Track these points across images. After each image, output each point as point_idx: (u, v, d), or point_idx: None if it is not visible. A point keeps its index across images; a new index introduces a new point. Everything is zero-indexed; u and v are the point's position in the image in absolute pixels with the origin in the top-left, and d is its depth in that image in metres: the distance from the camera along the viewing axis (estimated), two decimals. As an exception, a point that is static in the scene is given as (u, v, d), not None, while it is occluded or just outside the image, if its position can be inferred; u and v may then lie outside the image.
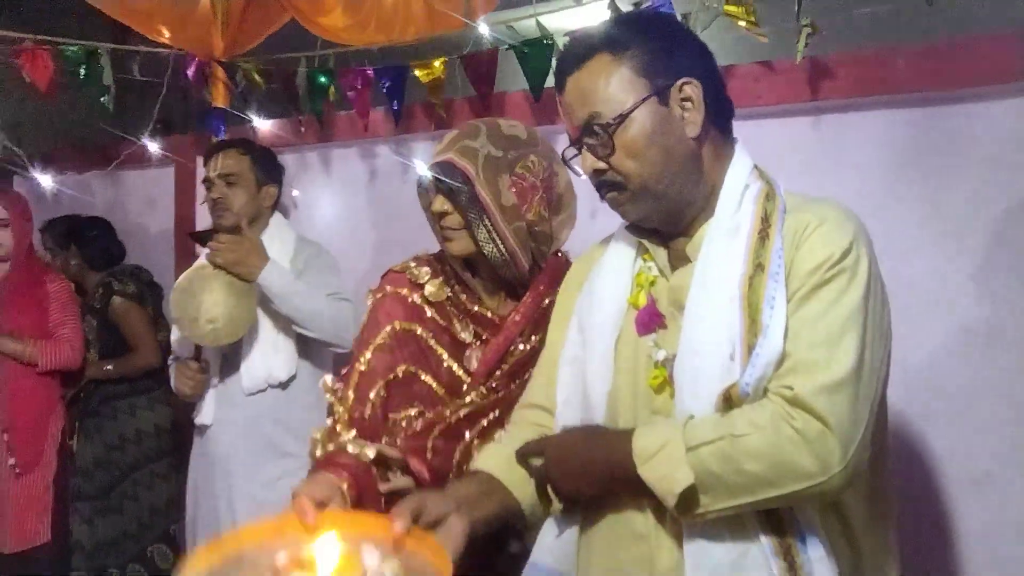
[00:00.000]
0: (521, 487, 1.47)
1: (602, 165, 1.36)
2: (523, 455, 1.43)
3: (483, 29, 2.87)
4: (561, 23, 2.83)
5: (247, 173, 2.85)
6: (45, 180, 3.73)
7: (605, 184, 1.38)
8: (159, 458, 3.79)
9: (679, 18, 2.44)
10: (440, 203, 1.71)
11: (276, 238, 2.85)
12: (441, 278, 1.80)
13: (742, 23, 2.36)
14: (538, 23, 2.79)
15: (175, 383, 2.91)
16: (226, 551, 1.28)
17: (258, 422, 2.82)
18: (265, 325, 2.79)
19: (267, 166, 2.92)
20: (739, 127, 1.47)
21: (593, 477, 1.35)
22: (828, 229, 1.29)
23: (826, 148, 2.39)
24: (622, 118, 1.33)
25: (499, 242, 1.69)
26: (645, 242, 1.45)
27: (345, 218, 3.35)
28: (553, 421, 1.51)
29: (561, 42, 2.69)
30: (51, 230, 3.97)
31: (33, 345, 3.43)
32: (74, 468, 3.67)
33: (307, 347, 2.82)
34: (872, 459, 1.31)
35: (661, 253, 1.43)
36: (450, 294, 1.80)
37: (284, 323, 2.77)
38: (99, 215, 4.06)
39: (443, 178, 1.70)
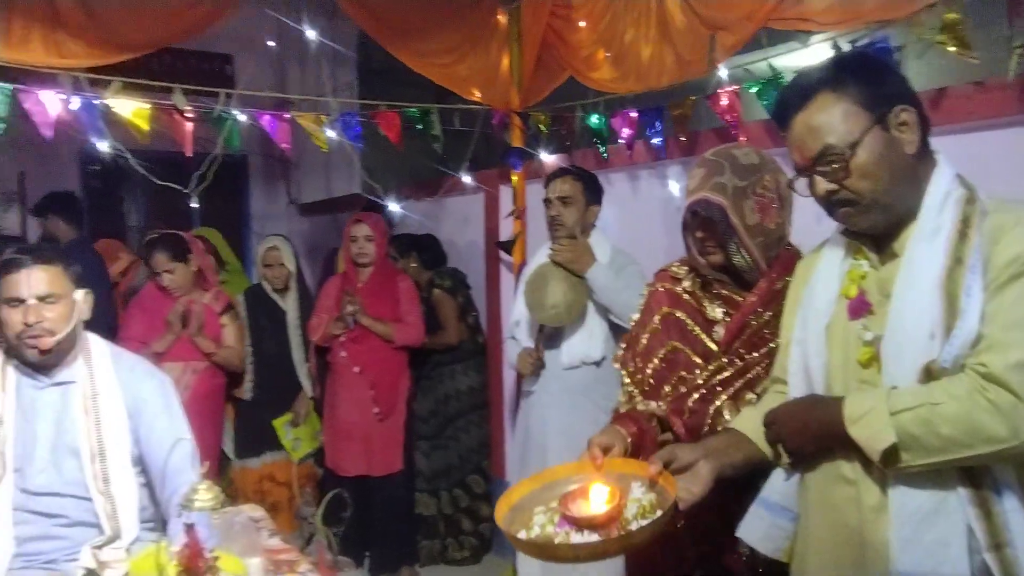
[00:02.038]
0: (764, 440, 1.51)
1: (835, 187, 1.34)
2: (765, 422, 1.47)
3: (723, 73, 2.89)
4: (789, 63, 2.81)
5: (579, 195, 2.85)
6: (393, 206, 4.13)
7: (838, 202, 1.36)
8: (473, 411, 4.01)
9: (895, 49, 2.36)
10: (701, 231, 1.78)
11: (597, 246, 2.84)
12: (694, 273, 1.87)
13: (953, 49, 2.24)
14: (770, 65, 2.77)
15: (517, 363, 2.97)
16: (538, 482, 1.48)
17: (571, 392, 2.83)
18: (586, 313, 2.83)
19: (594, 189, 2.91)
20: (954, 141, 1.41)
21: (812, 436, 1.38)
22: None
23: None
24: (854, 146, 1.31)
25: (745, 254, 1.74)
26: (860, 243, 1.42)
27: (613, 227, 3.35)
28: (788, 390, 1.52)
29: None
30: (396, 242, 4.23)
31: (391, 327, 3.71)
32: (415, 416, 3.94)
33: (617, 334, 2.76)
34: None
35: (872, 252, 1.41)
36: (702, 284, 1.85)
37: (601, 312, 2.80)
38: (429, 231, 4.34)
39: (701, 211, 1.75)
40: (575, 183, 2.87)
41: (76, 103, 2.93)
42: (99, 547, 1.88)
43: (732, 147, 1.85)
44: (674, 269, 1.94)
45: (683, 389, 1.79)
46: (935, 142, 1.41)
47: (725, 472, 1.45)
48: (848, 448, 1.31)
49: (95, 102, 2.97)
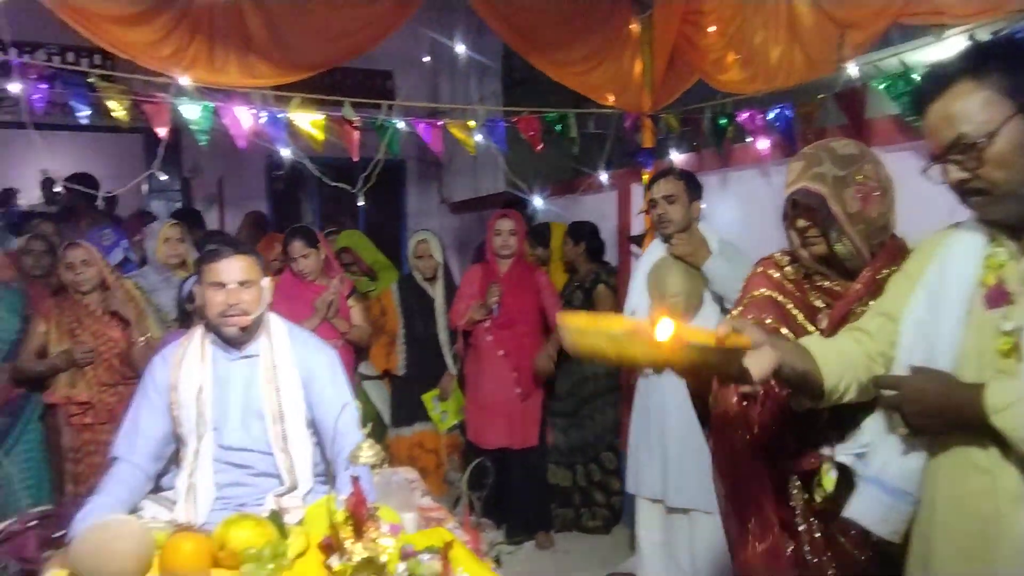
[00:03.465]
0: (827, 367, 1.43)
1: (967, 176, 1.25)
2: (878, 384, 1.38)
3: (852, 71, 2.74)
4: (922, 58, 2.62)
5: (681, 194, 2.83)
6: (535, 203, 4.17)
7: (970, 191, 1.27)
8: (607, 393, 3.96)
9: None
10: (802, 222, 1.71)
11: (706, 238, 2.85)
12: (797, 264, 1.80)
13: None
14: (901, 61, 2.58)
15: None
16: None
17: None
18: (703, 301, 2.81)
19: (694, 187, 2.91)
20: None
21: (943, 418, 1.28)
22: None
23: None
24: (991, 136, 1.21)
25: (847, 242, 1.66)
26: (997, 232, 1.32)
27: (739, 223, 3.32)
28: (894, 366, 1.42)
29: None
30: (533, 232, 4.22)
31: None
32: (553, 396, 3.97)
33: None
34: None
35: (1010, 241, 1.30)
36: (805, 274, 1.78)
37: (715, 299, 2.78)
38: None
39: (801, 201, 1.68)
40: (677, 182, 2.85)
41: (264, 117, 3.17)
42: (280, 495, 2.02)
43: (830, 140, 1.76)
44: (777, 256, 1.87)
45: None
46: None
47: (784, 369, 1.37)
48: (983, 435, 1.22)
49: (279, 115, 3.19)
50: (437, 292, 4.12)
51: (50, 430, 3.17)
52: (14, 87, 2.82)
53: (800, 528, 1.67)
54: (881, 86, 2.61)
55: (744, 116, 3.19)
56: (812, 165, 1.68)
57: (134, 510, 1.99)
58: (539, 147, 3.67)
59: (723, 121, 3.31)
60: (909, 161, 1.67)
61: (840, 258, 1.70)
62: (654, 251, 2.98)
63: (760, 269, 1.87)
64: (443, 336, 4.10)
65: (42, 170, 6.37)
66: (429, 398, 4.09)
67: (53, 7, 2.77)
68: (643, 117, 3.75)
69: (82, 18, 2.83)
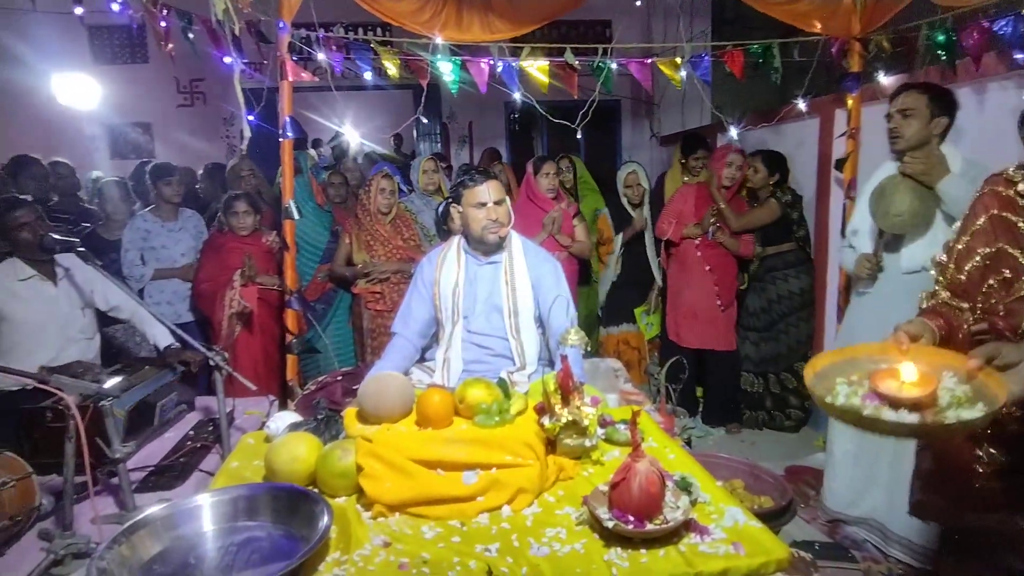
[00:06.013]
0: None
1: None
2: None
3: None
4: None
5: (922, 108, 2.34)
6: (732, 132, 3.86)
7: None
8: (802, 309, 3.70)
9: None
10: None
11: (948, 158, 2.35)
12: None
13: None
14: None
15: (855, 267, 2.55)
16: (841, 355, 1.29)
17: (908, 295, 2.35)
18: (932, 221, 2.39)
19: (942, 103, 2.35)
20: None
21: None
22: None
23: None
24: None
25: None
26: None
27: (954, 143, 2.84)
28: None
29: None
30: (764, 156, 3.78)
31: (738, 243, 3.63)
32: (747, 311, 3.78)
33: None
34: None
35: None
36: None
37: (948, 221, 2.31)
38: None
39: None
40: (919, 96, 2.36)
41: (500, 66, 3.22)
42: (511, 372, 2.16)
43: None
44: (1009, 172, 1.51)
45: (1004, 290, 1.44)
46: None
47: None
48: None
49: (513, 64, 3.23)
50: (645, 214, 4.05)
51: (354, 315, 3.62)
52: (320, 57, 3.13)
53: None
54: None
55: (966, 31, 2.65)
56: None
57: (406, 374, 2.22)
58: (743, 79, 3.39)
59: (941, 38, 2.77)
60: None
61: None
62: (885, 171, 2.52)
63: (988, 188, 1.54)
64: (649, 251, 4.04)
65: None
66: (639, 312, 4.10)
67: (344, -11, 3.00)
68: (851, 41, 3.27)
69: (364, -5, 3.04)
